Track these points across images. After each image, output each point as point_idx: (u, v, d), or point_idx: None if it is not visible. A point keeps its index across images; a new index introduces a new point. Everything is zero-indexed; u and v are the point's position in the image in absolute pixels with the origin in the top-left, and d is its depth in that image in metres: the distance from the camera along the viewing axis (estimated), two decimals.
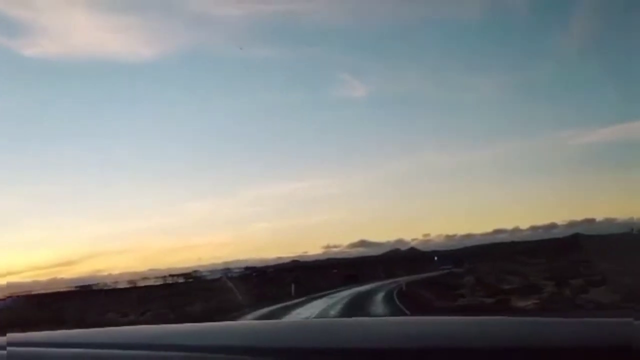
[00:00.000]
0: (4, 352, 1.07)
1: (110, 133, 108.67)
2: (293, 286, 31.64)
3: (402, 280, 39.39)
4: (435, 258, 76.27)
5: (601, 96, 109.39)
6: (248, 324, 1.91)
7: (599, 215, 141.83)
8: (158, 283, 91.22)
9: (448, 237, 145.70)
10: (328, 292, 33.87)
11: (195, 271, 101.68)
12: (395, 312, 20.36)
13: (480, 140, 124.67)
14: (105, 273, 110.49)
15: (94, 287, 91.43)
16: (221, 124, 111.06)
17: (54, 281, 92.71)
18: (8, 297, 61.75)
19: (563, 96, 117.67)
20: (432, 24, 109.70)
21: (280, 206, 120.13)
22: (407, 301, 24.43)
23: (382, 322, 1.62)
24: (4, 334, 1.17)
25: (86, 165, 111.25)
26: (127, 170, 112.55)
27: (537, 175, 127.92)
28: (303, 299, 28.51)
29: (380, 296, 28.64)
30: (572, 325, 1.20)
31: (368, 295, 29.58)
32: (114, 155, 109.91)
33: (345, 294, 30.70)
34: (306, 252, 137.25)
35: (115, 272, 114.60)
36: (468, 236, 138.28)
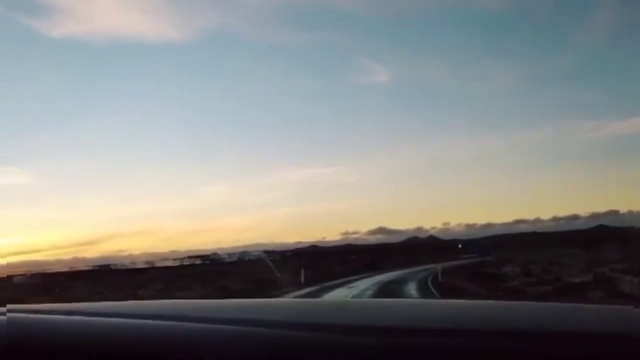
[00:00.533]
0: (4, 317, 1.00)
1: (133, 113, 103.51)
2: (303, 272, 24.46)
3: (434, 267, 32.25)
4: (460, 246, 69.13)
5: (626, 87, 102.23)
6: (283, 302, 1.63)
7: (623, 207, 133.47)
8: (175, 264, 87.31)
9: (468, 225, 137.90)
10: (346, 279, 26.92)
11: (214, 253, 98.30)
12: None
13: (502, 129, 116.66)
14: (127, 253, 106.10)
15: (112, 267, 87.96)
16: (242, 108, 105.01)
17: (76, 260, 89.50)
18: (10, 275, 57.52)
19: (587, 86, 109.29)
20: (454, 10, 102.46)
21: (300, 191, 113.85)
22: (449, 294, 17.62)
23: (415, 304, 1.61)
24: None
25: (110, 145, 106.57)
26: (151, 151, 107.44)
27: (558, 166, 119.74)
28: (315, 288, 21.57)
29: (412, 287, 21.63)
30: (572, 312, 1.16)
31: (397, 285, 22.52)
32: (137, 136, 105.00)
33: (367, 283, 23.64)
34: (325, 238, 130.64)
35: (137, 252, 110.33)
36: (488, 225, 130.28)
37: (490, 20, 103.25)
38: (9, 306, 1.06)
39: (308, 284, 22.92)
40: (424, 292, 19.36)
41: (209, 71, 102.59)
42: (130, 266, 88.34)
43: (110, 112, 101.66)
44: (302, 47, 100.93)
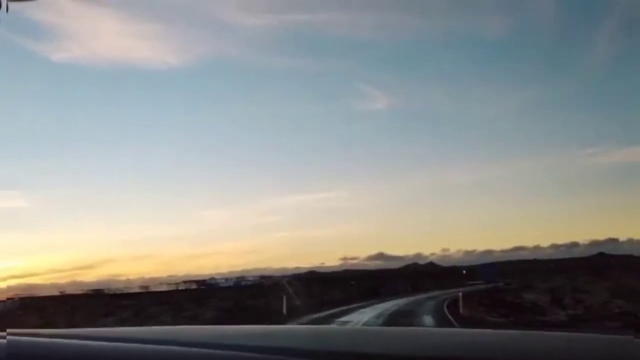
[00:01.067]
0: (4, 340, 0.98)
1: (132, 139, 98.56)
2: (285, 300, 18.16)
3: (443, 294, 26.22)
4: (464, 272, 63.12)
5: (626, 114, 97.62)
6: (295, 328, 1.59)
7: (622, 235, 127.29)
8: (171, 289, 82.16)
9: (467, 252, 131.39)
10: (341, 309, 20.91)
11: (211, 278, 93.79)
12: None
13: (502, 155, 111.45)
14: (124, 278, 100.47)
15: (106, 291, 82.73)
16: (241, 133, 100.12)
17: (72, 284, 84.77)
18: (8, 299, 53.45)
19: (587, 113, 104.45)
20: (455, 37, 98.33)
21: (299, 217, 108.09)
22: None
23: (429, 332, 1.55)
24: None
25: (108, 170, 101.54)
26: (149, 176, 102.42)
27: (558, 193, 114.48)
28: (296, 321, 15.55)
29: (428, 321, 15.64)
30: (572, 340, 1.14)
31: (407, 320, 16.46)
32: (135, 161, 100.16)
33: (368, 316, 17.60)
34: (323, 263, 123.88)
35: (134, 277, 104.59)
36: (488, 252, 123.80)
37: (490, 47, 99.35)
38: (9, 330, 1.03)
39: (292, 315, 17.02)
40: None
41: (207, 97, 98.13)
42: (125, 291, 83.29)
43: (109, 137, 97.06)
44: (300, 74, 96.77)
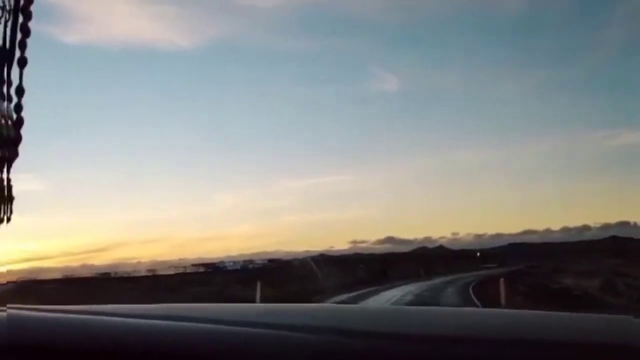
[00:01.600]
0: (4, 314, 0.97)
1: (143, 121, 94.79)
2: (259, 287, 13.56)
3: (459, 278, 21.65)
4: (478, 254, 58.85)
5: (638, 96, 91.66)
6: (321, 307, 1.58)
7: (634, 218, 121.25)
8: (178, 272, 79.03)
9: (477, 236, 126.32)
10: (345, 296, 16.31)
11: (220, 262, 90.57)
12: None
13: (512, 138, 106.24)
14: (135, 261, 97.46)
15: (112, 275, 79.72)
16: (250, 116, 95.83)
17: (84, 267, 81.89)
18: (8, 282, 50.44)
19: (600, 95, 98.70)
20: (466, 19, 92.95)
21: (308, 200, 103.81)
22: None
23: (456, 312, 1.55)
24: None
25: (121, 153, 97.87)
26: (161, 159, 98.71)
27: (569, 176, 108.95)
28: None
29: None
30: (571, 321, 1.10)
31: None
32: (146, 144, 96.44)
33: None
34: (333, 247, 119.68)
35: (145, 260, 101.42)
36: (498, 236, 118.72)
37: (502, 28, 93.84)
38: (9, 305, 1.02)
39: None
40: None
41: (218, 79, 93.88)
42: (132, 274, 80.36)
43: (122, 119, 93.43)
44: (311, 55, 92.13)
